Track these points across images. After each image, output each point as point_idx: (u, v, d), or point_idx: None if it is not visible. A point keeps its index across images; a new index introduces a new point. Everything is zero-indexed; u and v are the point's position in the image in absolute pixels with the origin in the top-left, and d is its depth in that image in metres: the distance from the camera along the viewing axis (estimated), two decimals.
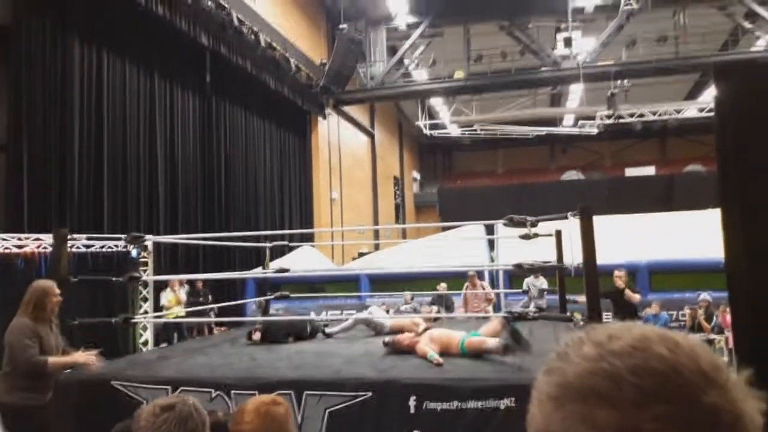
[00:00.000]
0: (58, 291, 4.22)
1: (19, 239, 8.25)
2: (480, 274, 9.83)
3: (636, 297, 7.55)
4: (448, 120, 24.40)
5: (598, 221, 4.94)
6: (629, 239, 11.10)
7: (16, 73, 8.87)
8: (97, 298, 6.22)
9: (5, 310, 4.21)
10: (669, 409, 0.51)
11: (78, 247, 8.52)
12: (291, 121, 17.82)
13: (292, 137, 18.24)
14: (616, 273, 7.46)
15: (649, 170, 27.87)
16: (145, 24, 11.17)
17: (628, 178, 26.31)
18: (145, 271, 9.46)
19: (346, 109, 20.69)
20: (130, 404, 4.04)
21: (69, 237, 5.58)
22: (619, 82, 19.65)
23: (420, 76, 20.20)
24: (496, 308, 9.42)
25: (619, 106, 20.29)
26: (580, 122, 23.80)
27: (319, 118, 19.10)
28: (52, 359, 4.07)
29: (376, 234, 18.71)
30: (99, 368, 4.36)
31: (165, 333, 10.06)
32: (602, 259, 4.91)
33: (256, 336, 5.86)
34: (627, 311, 7.14)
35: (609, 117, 21.07)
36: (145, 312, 9.29)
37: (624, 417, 0.51)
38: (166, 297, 10.03)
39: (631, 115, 21.77)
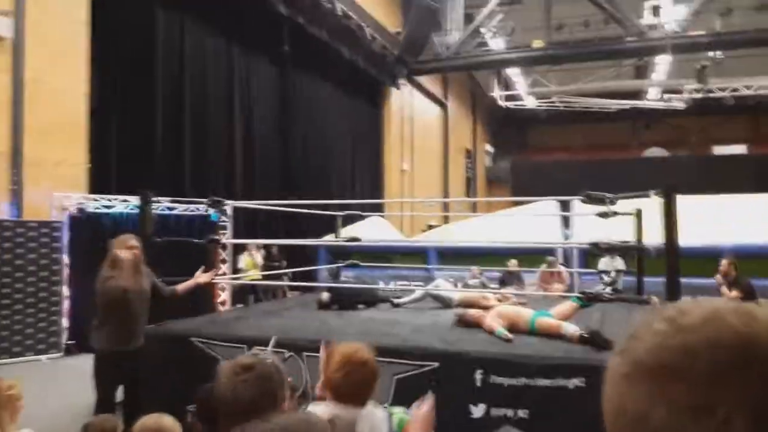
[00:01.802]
0: (133, 242, 4.47)
1: (108, 200, 8.75)
2: (552, 252, 9.64)
3: (729, 294, 7.06)
4: (524, 91, 23.72)
5: (682, 201, 4.72)
6: (714, 221, 10.54)
7: (104, 41, 9.27)
8: (178, 259, 6.53)
9: (95, 269, 4.50)
10: (745, 384, 0.50)
11: (161, 210, 8.95)
12: (364, 91, 17.86)
13: (365, 107, 18.31)
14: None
15: (740, 149, 26.24)
16: None
17: (716, 156, 24.88)
18: (223, 234, 9.84)
19: (420, 79, 20.50)
20: (207, 360, 4.26)
21: (153, 199, 5.87)
22: (710, 53, 18.45)
23: (497, 45, 19.68)
24: (570, 288, 9.23)
25: (710, 79, 19.11)
26: (666, 96, 22.59)
27: (392, 89, 19.03)
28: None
29: (446, 207, 18.62)
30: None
31: (241, 295, 10.47)
32: (684, 240, 4.70)
33: (326, 301, 6.01)
34: None
35: (698, 91, 19.90)
36: (224, 273, 9.68)
37: (698, 392, 0.51)
38: (243, 260, 10.40)
39: (723, 90, 20.48)
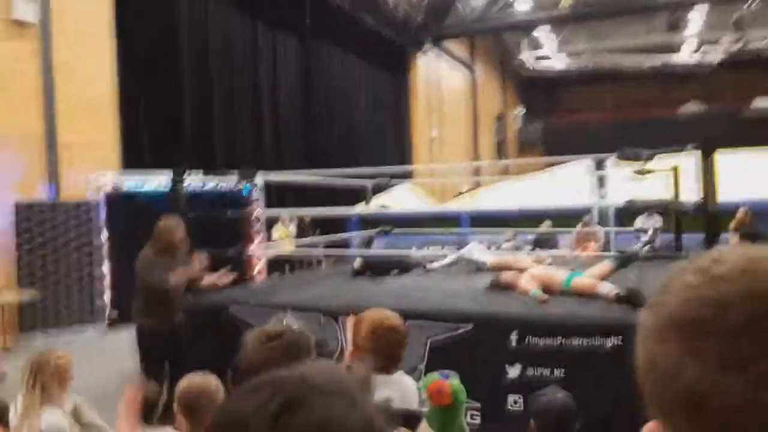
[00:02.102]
0: (183, 228, 4.56)
1: (141, 178, 8.90)
2: (587, 213, 9.50)
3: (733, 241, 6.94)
4: (553, 51, 23.13)
5: (720, 156, 4.58)
6: (753, 176, 10.22)
7: (128, 21, 9.32)
8: (213, 234, 6.63)
9: (133, 244, 4.62)
10: None
11: (193, 185, 9.07)
12: (389, 59, 17.66)
13: (390, 76, 18.13)
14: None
15: None
16: None
17: (755, 110, 24.00)
18: (255, 207, 9.93)
19: (445, 44, 20.15)
20: (246, 329, 4.34)
21: (185, 174, 5.95)
22: (748, 2, 17.67)
23: (523, 6, 19.18)
24: (606, 248, 9.10)
25: (748, 30, 18.34)
26: (702, 49, 21.80)
27: (418, 56, 18.77)
28: (173, 276, 4.43)
29: (477, 172, 18.45)
30: (221, 282, 4.80)
31: (276, 265, 10.60)
32: (723, 196, 4.59)
33: (359, 268, 6.05)
34: None
35: (735, 42, 19.13)
36: (259, 243, 9.79)
37: (730, 346, 0.47)
38: (276, 231, 10.51)
39: (762, 40, 19.65)
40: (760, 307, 0.48)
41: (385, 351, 2.16)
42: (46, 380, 2.88)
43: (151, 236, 4.57)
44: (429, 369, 3.92)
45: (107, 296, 8.34)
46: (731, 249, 0.54)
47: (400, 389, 2.17)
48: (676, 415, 0.51)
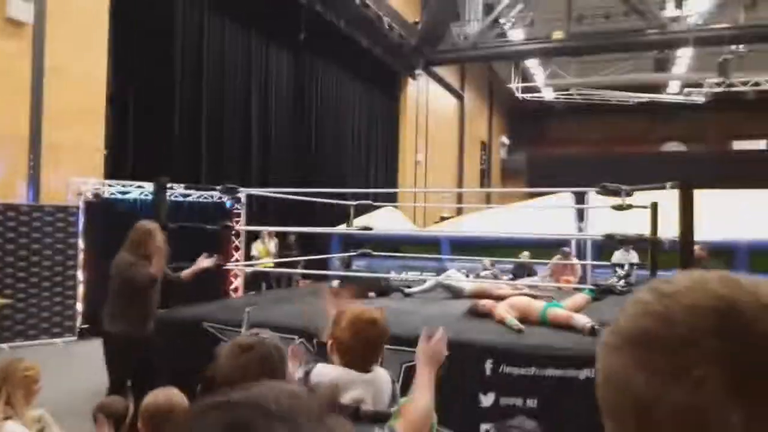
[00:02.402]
0: (161, 234, 4.48)
1: (123, 186, 8.82)
2: (566, 244, 9.57)
3: None
4: (542, 83, 23.50)
5: (699, 195, 4.66)
6: (731, 216, 10.40)
7: (124, 27, 9.31)
8: (191, 246, 6.57)
9: (110, 253, 4.53)
10: (721, 344, 0.50)
11: (176, 196, 9.01)
12: (381, 80, 17.81)
13: (380, 97, 18.26)
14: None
15: (760, 144, 25.84)
16: None
17: (736, 151, 24.52)
18: (237, 221, 9.89)
19: (437, 70, 20.38)
20: (219, 345, 4.29)
21: (168, 186, 5.90)
22: (734, 47, 18.14)
23: (516, 36, 19.49)
24: (582, 281, 9.17)
25: (732, 73, 18.79)
26: (686, 90, 22.28)
27: (409, 79, 18.95)
28: (152, 268, 4.32)
29: (460, 198, 18.55)
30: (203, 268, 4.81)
31: (254, 282, 10.53)
32: (700, 235, 4.65)
33: (335, 289, 6.02)
34: None
35: (719, 85, 19.59)
36: (236, 260, 9.74)
37: (675, 356, 0.51)
38: (256, 247, 10.46)
39: (745, 84, 20.14)
40: (701, 320, 0.51)
41: (364, 345, 2.12)
42: (11, 392, 2.81)
43: (128, 238, 4.45)
44: (403, 394, 3.90)
45: (79, 306, 8.17)
46: (682, 273, 0.58)
47: (374, 388, 2.15)
48: (626, 423, 0.54)
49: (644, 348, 0.53)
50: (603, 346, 0.58)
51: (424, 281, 6.49)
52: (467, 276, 7.60)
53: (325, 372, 2.10)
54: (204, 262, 4.87)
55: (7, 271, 7.63)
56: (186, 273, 4.74)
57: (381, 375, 2.23)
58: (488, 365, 3.83)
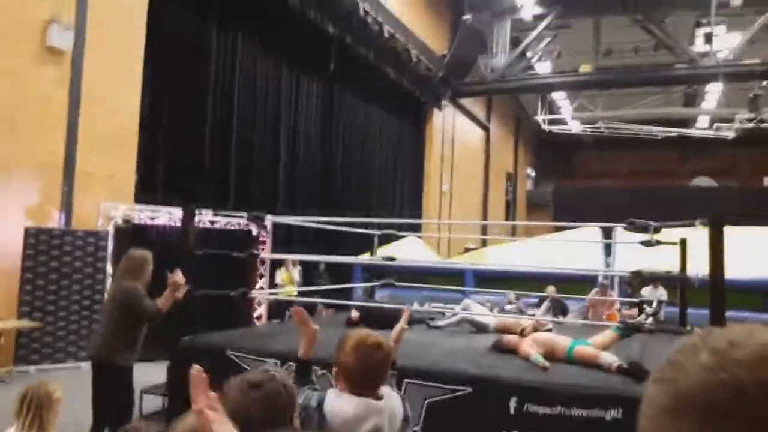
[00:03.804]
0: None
1: (152, 211, 8.97)
2: (594, 280, 9.40)
3: None
4: (570, 116, 23.45)
5: (729, 232, 4.56)
6: (763, 253, 10.15)
7: (157, 56, 9.56)
8: (218, 272, 6.63)
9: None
10: None
11: (204, 223, 9.13)
12: (407, 111, 17.97)
13: (407, 127, 18.41)
14: None
15: None
16: (277, 12, 11.73)
17: (766, 188, 24.04)
18: (262, 248, 9.96)
19: (463, 101, 20.50)
20: (240, 373, 4.28)
21: (196, 213, 5.99)
22: (765, 82, 17.94)
23: (543, 69, 19.53)
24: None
25: (763, 108, 18.55)
26: (716, 125, 22.04)
27: (435, 110, 19.08)
28: (160, 300, 4.35)
29: (485, 230, 18.44)
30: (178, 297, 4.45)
31: (277, 309, 10.53)
32: (731, 273, 4.54)
33: (355, 319, 6.00)
34: None
35: (749, 120, 19.34)
36: (261, 288, 9.78)
37: (745, 429, 0.49)
38: (280, 275, 10.49)
39: None
40: None
41: (370, 369, 2.11)
42: (46, 416, 2.86)
43: (124, 267, 4.47)
44: (426, 431, 3.84)
45: None
46: (744, 330, 0.55)
47: (389, 413, 2.14)
48: None
49: (711, 419, 0.50)
50: (654, 404, 0.55)
51: (450, 316, 6.43)
52: (491, 310, 7.52)
53: (338, 404, 2.09)
54: (176, 290, 4.41)
55: (38, 294, 7.77)
56: (165, 304, 4.37)
57: (392, 399, 2.22)
58: (513, 403, 3.76)
